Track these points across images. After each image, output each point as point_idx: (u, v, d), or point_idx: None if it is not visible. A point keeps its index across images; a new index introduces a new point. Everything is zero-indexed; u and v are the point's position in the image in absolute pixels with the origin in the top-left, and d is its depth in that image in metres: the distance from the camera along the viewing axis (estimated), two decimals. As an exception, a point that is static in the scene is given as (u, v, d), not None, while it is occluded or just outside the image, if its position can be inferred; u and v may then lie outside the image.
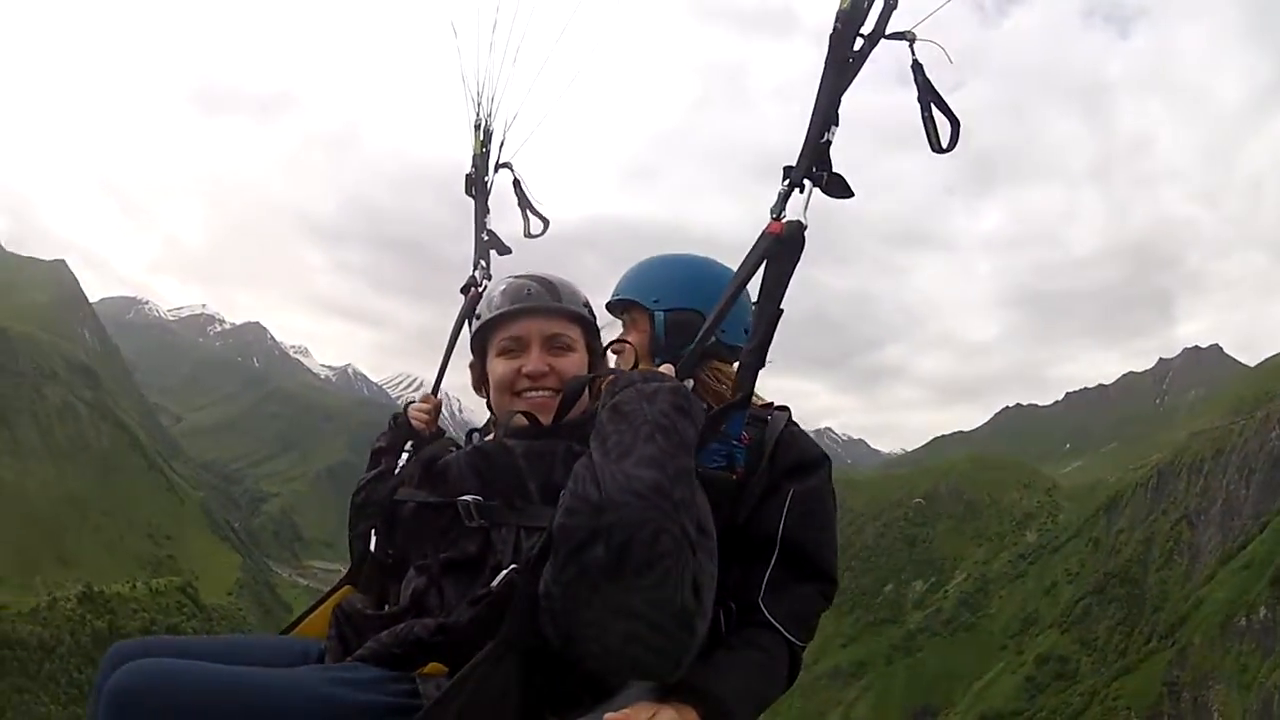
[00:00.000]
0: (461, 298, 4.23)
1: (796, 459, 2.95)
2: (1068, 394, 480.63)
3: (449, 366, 4.02)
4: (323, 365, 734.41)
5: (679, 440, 2.23)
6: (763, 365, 2.60)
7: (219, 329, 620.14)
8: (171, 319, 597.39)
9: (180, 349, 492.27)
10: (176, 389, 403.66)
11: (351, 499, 3.46)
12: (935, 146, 2.83)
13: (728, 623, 2.71)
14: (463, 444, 3.17)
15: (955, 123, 2.85)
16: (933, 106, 2.81)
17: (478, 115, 4.43)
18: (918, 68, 2.79)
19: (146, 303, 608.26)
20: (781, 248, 2.54)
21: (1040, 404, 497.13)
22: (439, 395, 3.92)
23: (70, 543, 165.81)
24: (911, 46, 2.69)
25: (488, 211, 4.48)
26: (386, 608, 2.80)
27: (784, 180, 2.58)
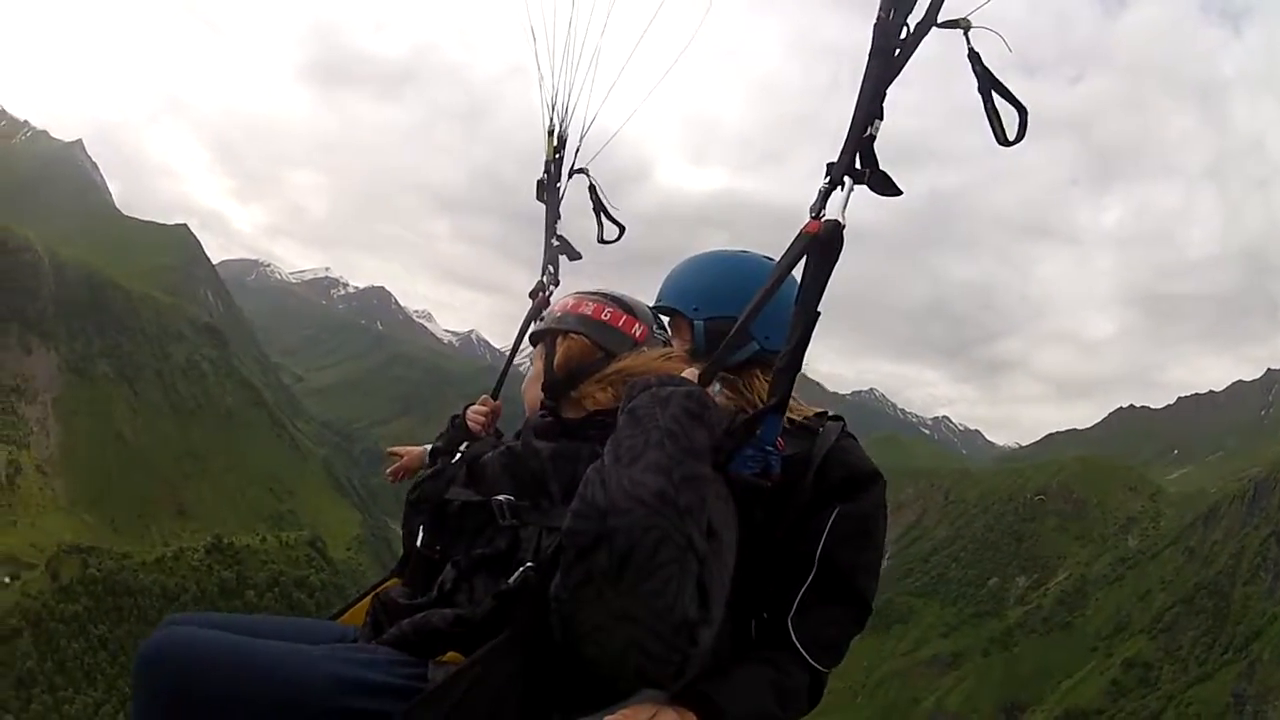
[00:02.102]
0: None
1: (846, 475, 2.89)
2: (1179, 398, 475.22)
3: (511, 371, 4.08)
4: (446, 330, 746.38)
5: (688, 446, 2.26)
6: (798, 370, 2.62)
7: (342, 292, 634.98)
8: (294, 281, 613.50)
9: (302, 311, 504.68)
10: (298, 349, 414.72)
11: (406, 496, 3.48)
12: (1001, 139, 2.70)
13: (759, 633, 2.79)
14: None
15: (1022, 111, 2.70)
16: (995, 96, 2.67)
17: (552, 120, 4.43)
18: (974, 57, 2.67)
19: (268, 265, 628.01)
20: (818, 248, 2.48)
21: (1153, 406, 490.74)
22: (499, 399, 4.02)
23: (190, 496, 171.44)
24: (966, 35, 2.58)
25: (559, 217, 4.48)
26: (420, 599, 2.88)
27: (825, 176, 2.51)
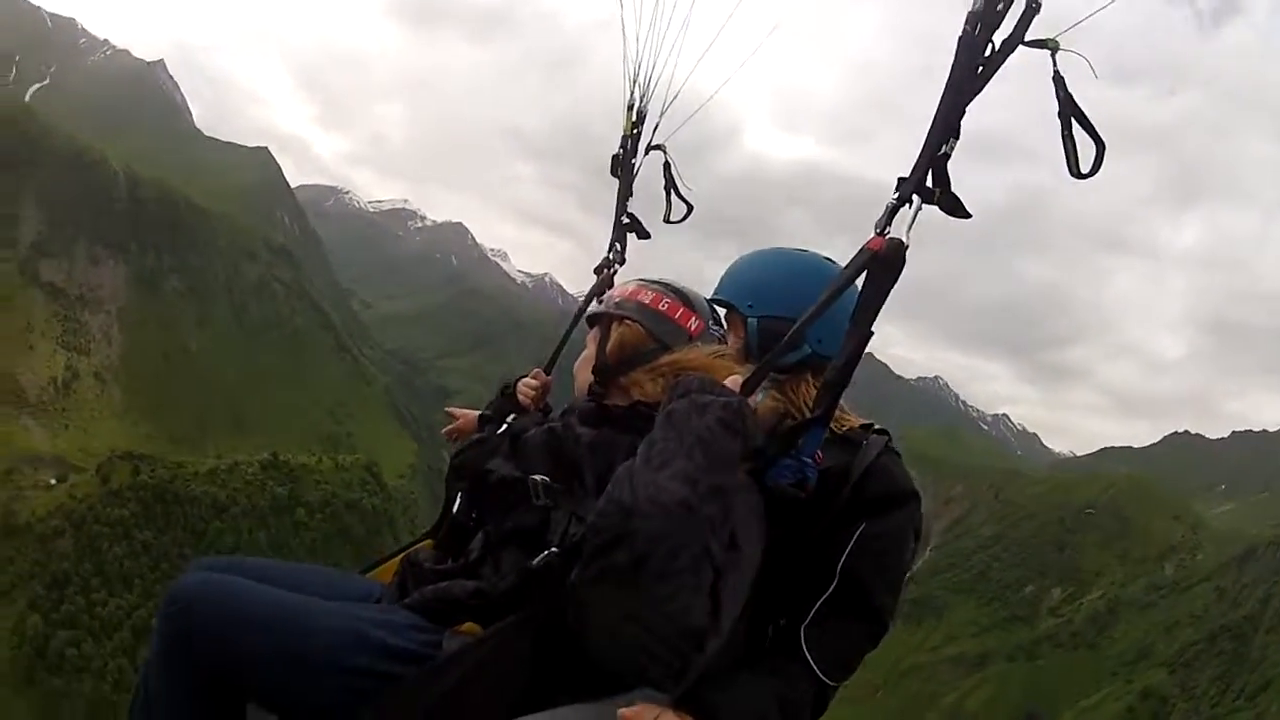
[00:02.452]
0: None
1: (882, 491, 2.89)
2: (1234, 432, 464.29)
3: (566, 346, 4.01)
4: (520, 271, 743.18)
5: (718, 456, 2.27)
6: (846, 385, 2.62)
7: (419, 225, 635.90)
8: (371, 210, 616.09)
9: (378, 240, 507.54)
10: (371, 277, 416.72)
11: (450, 459, 3.54)
12: (1074, 171, 2.66)
13: (772, 638, 2.80)
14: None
15: (1100, 145, 2.65)
16: (1074, 124, 2.63)
17: (632, 95, 4.36)
18: (1059, 81, 2.61)
19: (347, 193, 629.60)
20: (879, 266, 2.44)
21: (1208, 436, 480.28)
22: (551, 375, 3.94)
23: (250, 412, 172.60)
24: (1054, 57, 2.52)
25: (630, 194, 4.41)
26: (446, 566, 3.01)
27: (894, 192, 2.46)
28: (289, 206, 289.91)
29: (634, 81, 4.33)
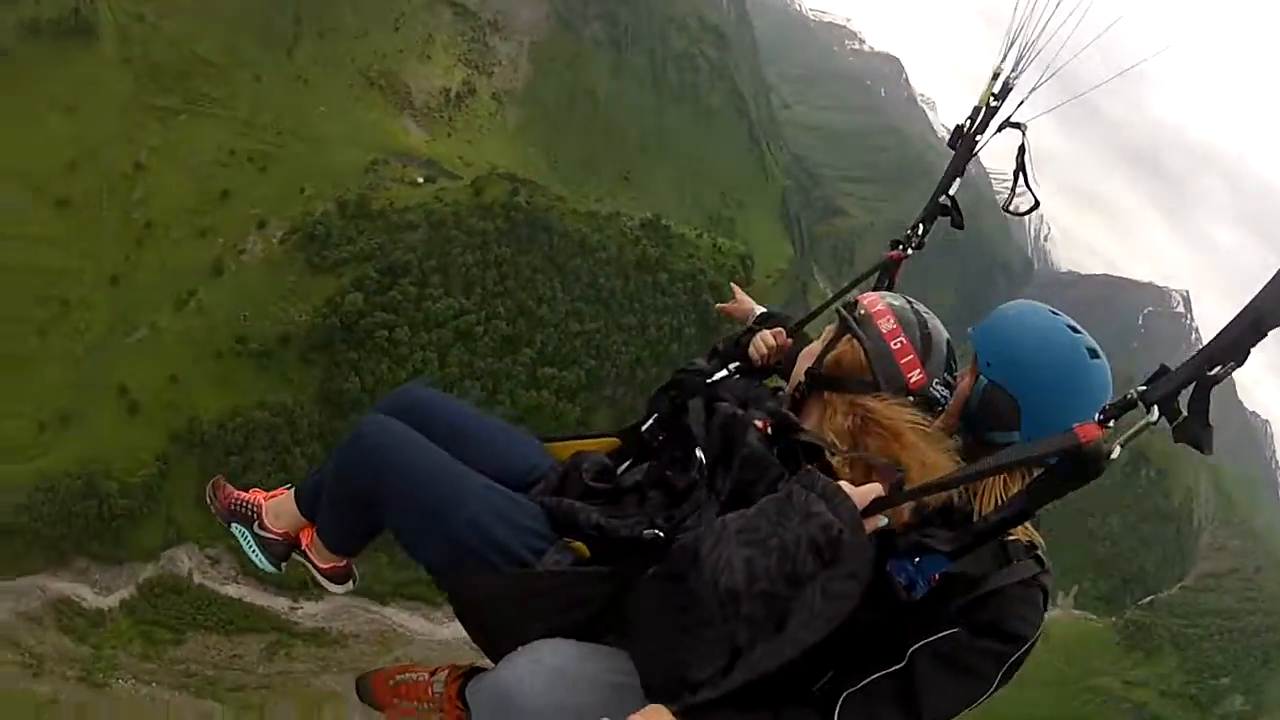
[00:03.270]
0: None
1: (993, 618, 2.82)
2: None
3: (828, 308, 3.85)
4: (942, 125, 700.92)
5: (789, 572, 2.47)
6: (986, 542, 2.67)
7: (855, 47, 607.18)
8: (811, 18, 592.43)
9: (811, 48, 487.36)
10: (795, 80, 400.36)
11: (675, 369, 3.75)
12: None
13: (821, 688, 2.86)
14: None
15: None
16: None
17: (1004, 58, 4.05)
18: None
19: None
20: (1074, 462, 2.31)
21: None
22: (795, 338, 3.93)
23: (642, 169, 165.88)
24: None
25: (961, 174, 4.22)
26: (612, 481, 3.41)
27: (1137, 387, 2.27)
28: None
29: (1011, 43, 3.93)
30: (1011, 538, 2.88)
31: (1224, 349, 2.13)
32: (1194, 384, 2.19)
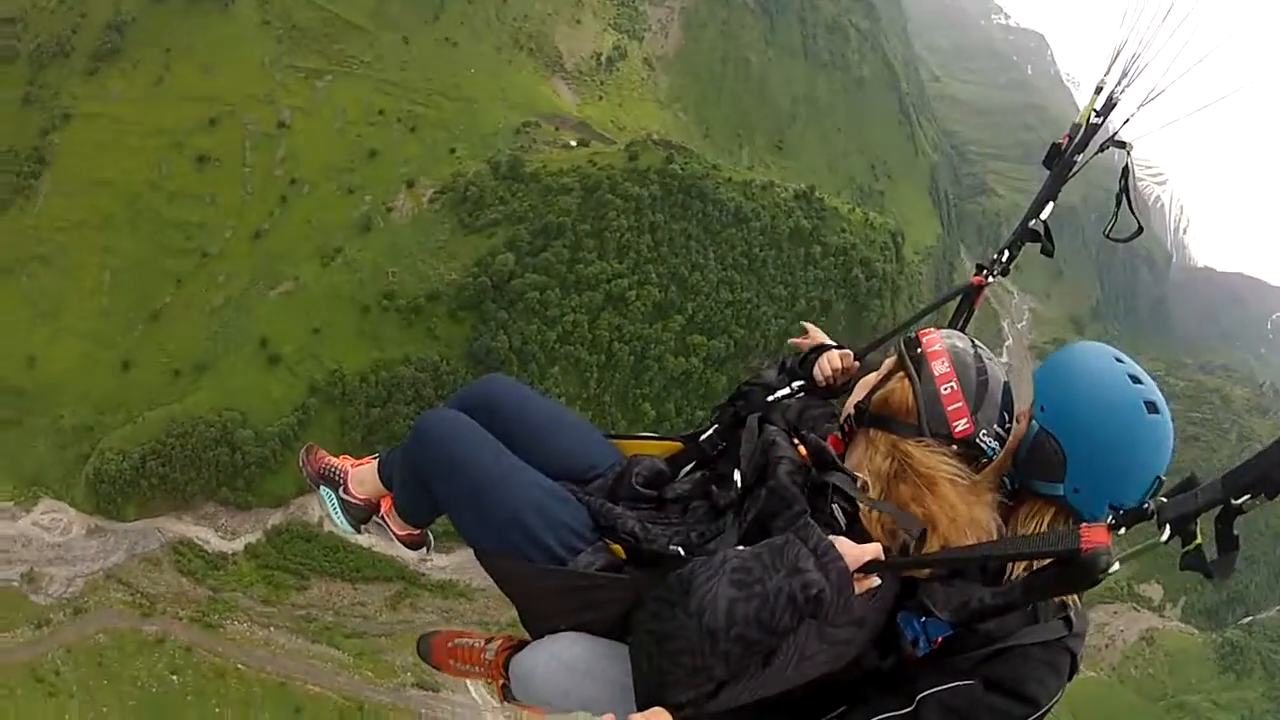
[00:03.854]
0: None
1: (1006, 675, 2.80)
2: None
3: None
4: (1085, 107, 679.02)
5: (767, 621, 2.58)
6: (984, 620, 2.70)
7: (1003, 22, 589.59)
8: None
9: (959, 21, 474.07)
10: (943, 52, 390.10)
11: (741, 380, 3.91)
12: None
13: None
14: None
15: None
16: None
17: (1109, 71, 3.84)
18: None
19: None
20: (1072, 567, 2.27)
21: None
22: (860, 362, 3.92)
23: (793, 138, 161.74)
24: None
25: (1054, 197, 4.00)
26: (659, 488, 3.54)
27: (1163, 498, 2.19)
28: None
29: (1116, 54, 3.76)
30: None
31: (1256, 480, 1.99)
32: (1220, 509, 2.08)
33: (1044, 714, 2.77)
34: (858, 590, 2.62)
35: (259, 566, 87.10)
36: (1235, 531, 2.15)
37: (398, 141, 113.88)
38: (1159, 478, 2.66)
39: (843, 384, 3.79)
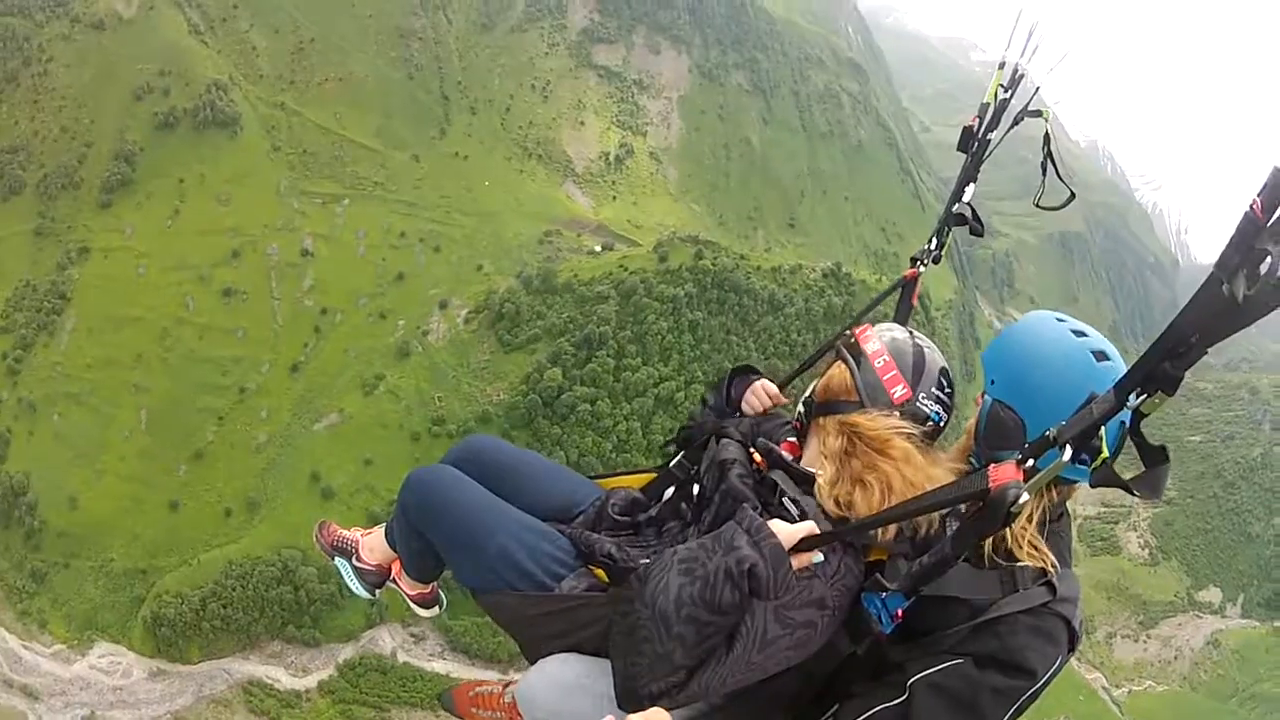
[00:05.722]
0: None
1: (994, 649, 2.77)
2: None
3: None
4: (1077, 130, 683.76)
5: (710, 599, 2.73)
6: (929, 581, 2.64)
7: (981, 57, 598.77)
8: (930, 35, 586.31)
9: (938, 66, 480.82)
10: (929, 101, 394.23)
11: (692, 412, 4.08)
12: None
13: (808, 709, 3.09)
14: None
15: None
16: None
17: (1009, 45, 3.89)
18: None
19: (905, 12, 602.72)
20: (983, 508, 2.32)
21: None
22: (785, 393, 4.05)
23: (804, 213, 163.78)
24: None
25: (974, 179, 4.04)
26: (639, 514, 3.73)
27: (1054, 428, 2.22)
28: (853, 19, 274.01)
29: (1015, 26, 3.80)
30: (1020, 562, 2.84)
31: (1146, 376, 2.03)
32: (1130, 422, 2.14)
33: (1045, 684, 2.75)
34: (796, 566, 2.77)
35: (335, 702, 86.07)
36: (1156, 444, 2.20)
37: (423, 262, 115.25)
38: (1123, 423, 2.49)
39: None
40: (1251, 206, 1.78)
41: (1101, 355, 2.81)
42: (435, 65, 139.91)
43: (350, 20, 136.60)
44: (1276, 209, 1.77)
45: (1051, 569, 2.86)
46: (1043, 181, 3.82)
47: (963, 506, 2.48)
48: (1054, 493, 2.96)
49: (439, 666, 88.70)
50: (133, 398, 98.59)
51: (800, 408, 3.40)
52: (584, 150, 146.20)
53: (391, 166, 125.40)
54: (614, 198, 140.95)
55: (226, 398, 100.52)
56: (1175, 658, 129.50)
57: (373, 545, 4.50)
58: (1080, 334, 2.89)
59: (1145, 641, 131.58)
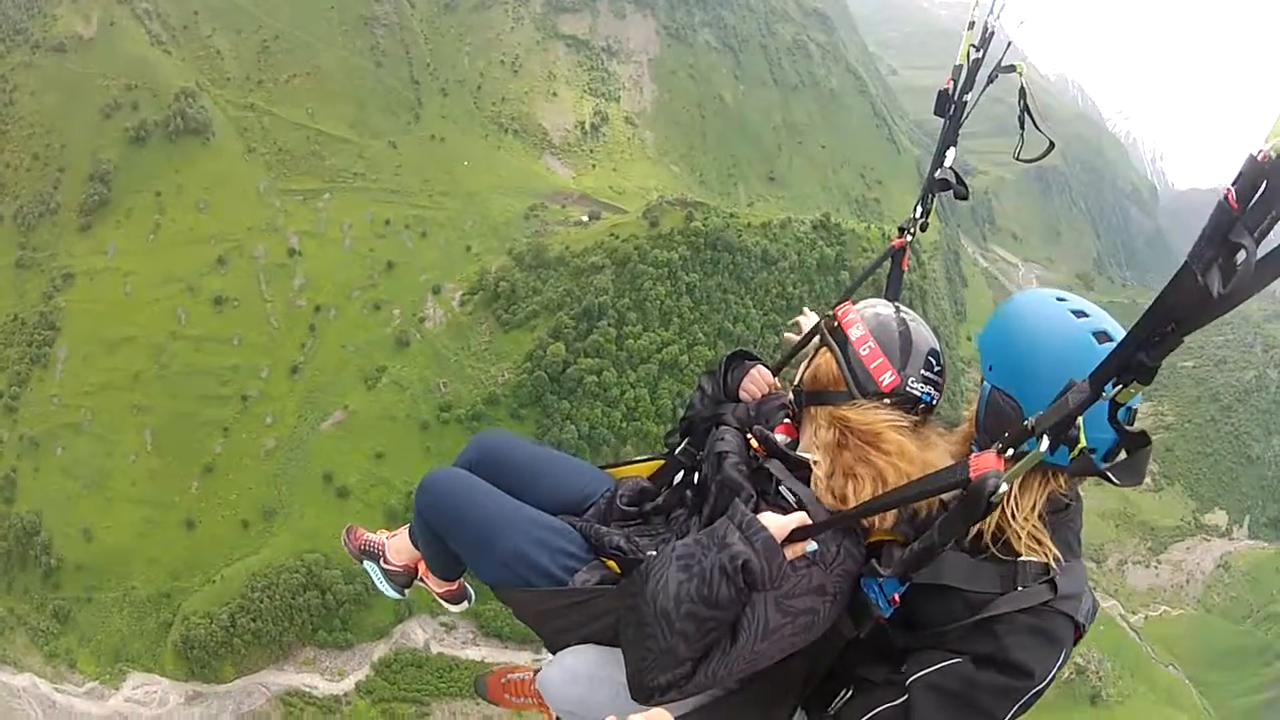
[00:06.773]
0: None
1: (991, 650, 2.75)
2: None
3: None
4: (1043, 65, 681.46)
5: (707, 595, 2.77)
6: (921, 567, 2.66)
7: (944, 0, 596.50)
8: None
9: (902, 11, 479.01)
10: (896, 44, 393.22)
11: (691, 400, 4.02)
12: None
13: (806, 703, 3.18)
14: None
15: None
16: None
17: (978, 4, 3.87)
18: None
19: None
20: (967, 498, 2.32)
21: None
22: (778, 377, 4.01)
23: (782, 165, 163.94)
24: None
25: (954, 142, 4.02)
26: (646, 503, 3.77)
27: (1031, 417, 2.21)
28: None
29: None
30: (1024, 557, 2.81)
31: (1120, 368, 2.01)
32: (1108, 410, 2.12)
33: (1047, 683, 2.73)
34: (789, 556, 2.79)
35: (375, 701, 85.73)
36: (1135, 429, 2.22)
37: (412, 249, 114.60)
38: (1128, 408, 2.49)
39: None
40: (1225, 196, 1.74)
41: (1103, 336, 2.74)
42: (402, 50, 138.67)
43: (312, 14, 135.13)
44: (1250, 199, 1.72)
45: (1054, 564, 2.82)
46: (1021, 135, 3.78)
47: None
48: (1061, 480, 2.88)
49: (473, 653, 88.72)
50: (135, 419, 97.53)
51: (791, 395, 3.41)
52: (559, 121, 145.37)
53: (369, 156, 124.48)
54: (593, 166, 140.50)
55: (230, 408, 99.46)
56: (1187, 581, 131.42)
57: (398, 547, 4.69)
58: (1081, 314, 2.81)
59: (1156, 567, 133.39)
